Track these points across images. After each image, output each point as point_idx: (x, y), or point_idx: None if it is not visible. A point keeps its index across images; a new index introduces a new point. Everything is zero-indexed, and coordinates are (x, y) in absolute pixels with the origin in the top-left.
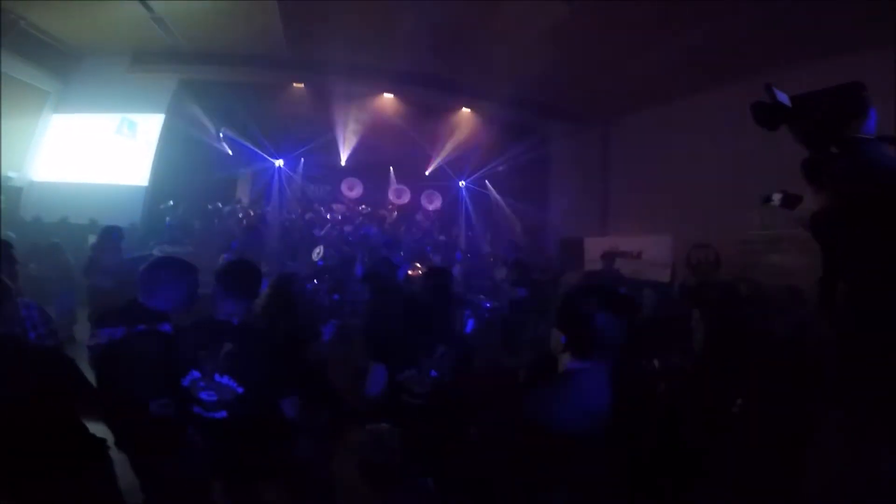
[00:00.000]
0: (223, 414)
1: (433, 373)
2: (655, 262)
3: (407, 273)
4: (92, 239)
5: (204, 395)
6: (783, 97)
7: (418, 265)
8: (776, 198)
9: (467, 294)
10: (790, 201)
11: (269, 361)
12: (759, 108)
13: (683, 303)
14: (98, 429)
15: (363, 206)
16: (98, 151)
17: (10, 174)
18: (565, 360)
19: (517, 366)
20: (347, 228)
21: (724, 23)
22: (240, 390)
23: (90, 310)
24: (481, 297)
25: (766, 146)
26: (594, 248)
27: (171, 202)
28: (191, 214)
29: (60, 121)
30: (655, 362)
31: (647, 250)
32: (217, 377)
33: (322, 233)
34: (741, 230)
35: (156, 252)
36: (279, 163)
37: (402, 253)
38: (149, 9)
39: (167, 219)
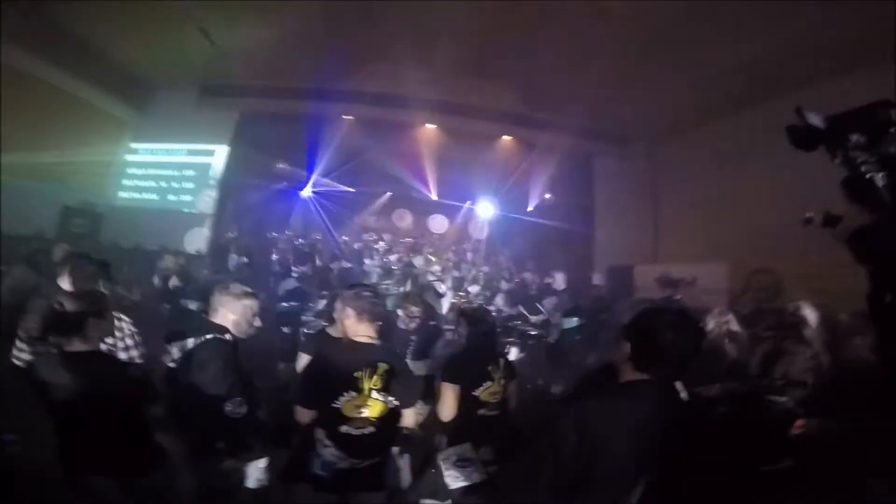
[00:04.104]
0: (371, 429)
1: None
2: (711, 289)
3: (451, 302)
4: (164, 263)
5: (357, 413)
6: (815, 119)
7: (461, 294)
8: (817, 218)
9: (512, 322)
10: (831, 221)
11: (412, 375)
12: (795, 131)
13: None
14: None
15: (404, 238)
16: (169, 180)
17: (93, 200)
18: (627, 372)
19: (564, 394)
20: (392, 258)
21: (772, 35)
22: (395, 404)
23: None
24: (527, 324)
25: (825, 162)
26: (644, 276)
27: (236, 233)
28: (252, 243)
29: (137, 149)
30: (716, 387)
31: (701, 277)
32: (375, 394)
33: (370, 263)
34: (804, 254)
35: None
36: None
37: (446, 284)
38: (209, 39)
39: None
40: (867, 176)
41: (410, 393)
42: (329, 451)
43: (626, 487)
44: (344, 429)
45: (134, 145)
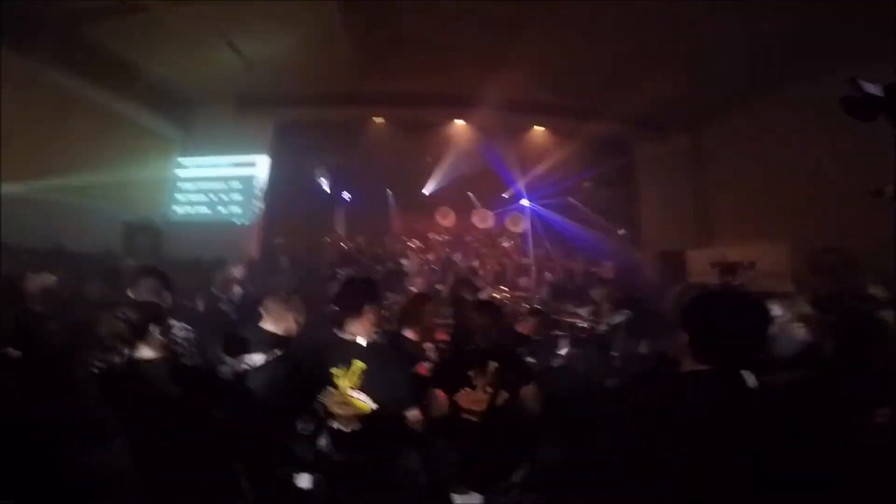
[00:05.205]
0: (357, 426)
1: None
2: (772, 271)
3: (491, 296)
4: (220, 275)
5: (340, 410)
6: (873, 88)
7: (503, 288)
8: (888, 190)
9: (559, 315)
10: None
11: (396, 376)
12: (851, 101)
13: (816, 313)
14: None
15: (447, 235)
16: (218, 192)
17: (152, 216)
18: (686, 362)
19: (619, 387)
20: (431, 257)
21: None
22: (373, 405)
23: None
24: (576, 317)
25: (887, 129)
26: (697, 261)
27: (282, 239)
28: (299, 248)
29: (185, 165)
30: (788, 375)
31: (760, 259)
32: (352, 393)
33: (410, 263)
34: (874, 229)
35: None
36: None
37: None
38: (238, 52)
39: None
40: None
41: (393, 394)
42: (326, 445)
43: (691, 483)
44: (333, 423)
45: (182, 161)
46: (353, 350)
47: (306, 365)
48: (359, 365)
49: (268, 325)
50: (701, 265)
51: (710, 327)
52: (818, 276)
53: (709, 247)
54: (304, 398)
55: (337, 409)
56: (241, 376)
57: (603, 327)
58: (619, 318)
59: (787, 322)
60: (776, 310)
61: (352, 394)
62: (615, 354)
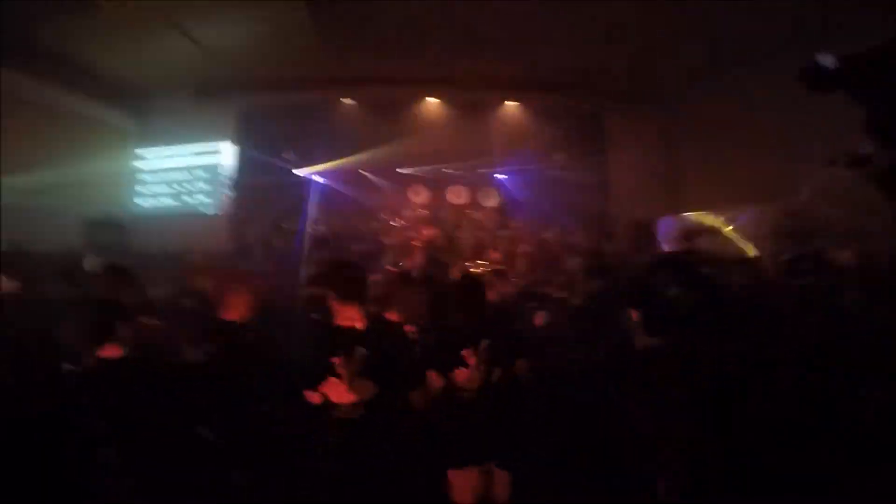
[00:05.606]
0: (360, 413)
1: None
2: (741, 235)
3: (468, 270)
4: (188, 267)
5: (343, 398)
6: (828, 61)
7: (480, 262)
8: (844, 159)
9: (536, 286)
10: (859, 161)
11: (396, 359)
12: (808, 74)
13: (783, 278)
14: None
15: (423, 210)
16: (182, 182)
17: (113, 211)
18: (640, 339)
19: (594, 357)
20: (407, 235)
21: None
22: (376, 389)
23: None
24: (551, 288)
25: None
26: (669, 228)
27: (253, 225)
28: (268, 235)
29: (145, 156)
30: (758, 345)
31: (729, 223)
32: (355, 379)
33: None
34: (843, 191)
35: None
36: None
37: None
38: (194, 40)
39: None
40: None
41: (394, 378)
42: (331, 434)
43: (661, 461)
44: (336, 412)
45: (141, 152)
46: (352, 336)
47: (306, 355)
48: (360, 350)
49: (222, 312)
50: (674, 232)
51: (655, 300)
52: (783, 239)
53: (679, 213)
54: (288, 387)
55: (340, 398)
56: (200, 368)
57: (578, 297)
58: (591, 287)
59: (754, 287)
60: (743, 275)
61: (355, 381)
62: (591, 323)
